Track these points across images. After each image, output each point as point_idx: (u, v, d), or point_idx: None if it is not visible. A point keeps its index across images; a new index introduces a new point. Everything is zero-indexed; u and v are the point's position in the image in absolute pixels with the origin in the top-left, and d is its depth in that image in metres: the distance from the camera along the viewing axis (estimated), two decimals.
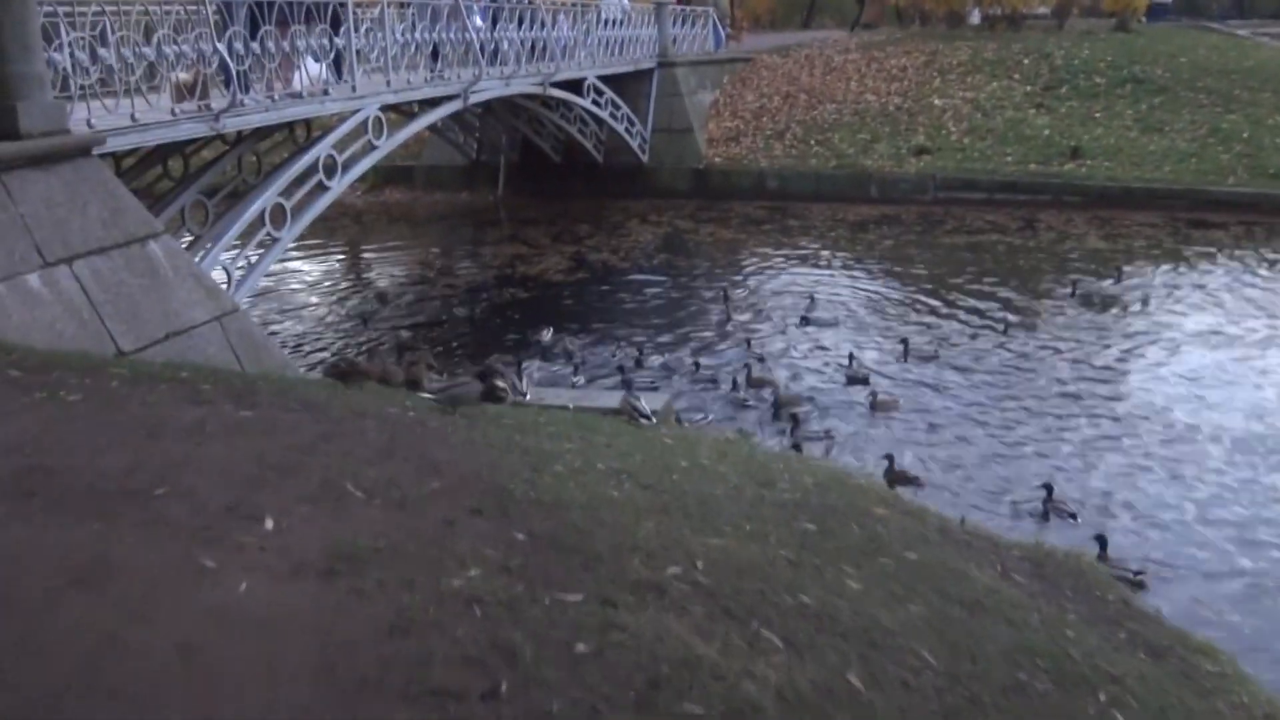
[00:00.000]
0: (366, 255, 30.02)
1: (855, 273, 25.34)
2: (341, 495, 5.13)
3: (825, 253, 27.20)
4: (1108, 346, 19.41)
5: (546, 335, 19.75)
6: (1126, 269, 23.45)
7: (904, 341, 18.68)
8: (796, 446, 13.36)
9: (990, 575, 7.14)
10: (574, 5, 31.68)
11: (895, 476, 12.87)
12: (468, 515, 5.21)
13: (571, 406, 11.80)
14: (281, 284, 25.58)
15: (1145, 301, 22.16)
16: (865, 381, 17.16)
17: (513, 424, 8.23)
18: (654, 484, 6.66)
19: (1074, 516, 12.69)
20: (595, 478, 6.45)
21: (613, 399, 12.69)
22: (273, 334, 20.95)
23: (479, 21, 25.14)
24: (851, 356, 18.26)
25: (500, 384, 9.67)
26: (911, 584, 5.96)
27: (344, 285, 26.20)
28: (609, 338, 20.50)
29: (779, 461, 9.28)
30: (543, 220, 32.49)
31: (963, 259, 25.92)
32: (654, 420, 10.73)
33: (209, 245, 14.92)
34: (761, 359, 18.29)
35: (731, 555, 5.42)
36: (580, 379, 17.29)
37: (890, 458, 13.40)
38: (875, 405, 15.75)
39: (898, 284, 24.28)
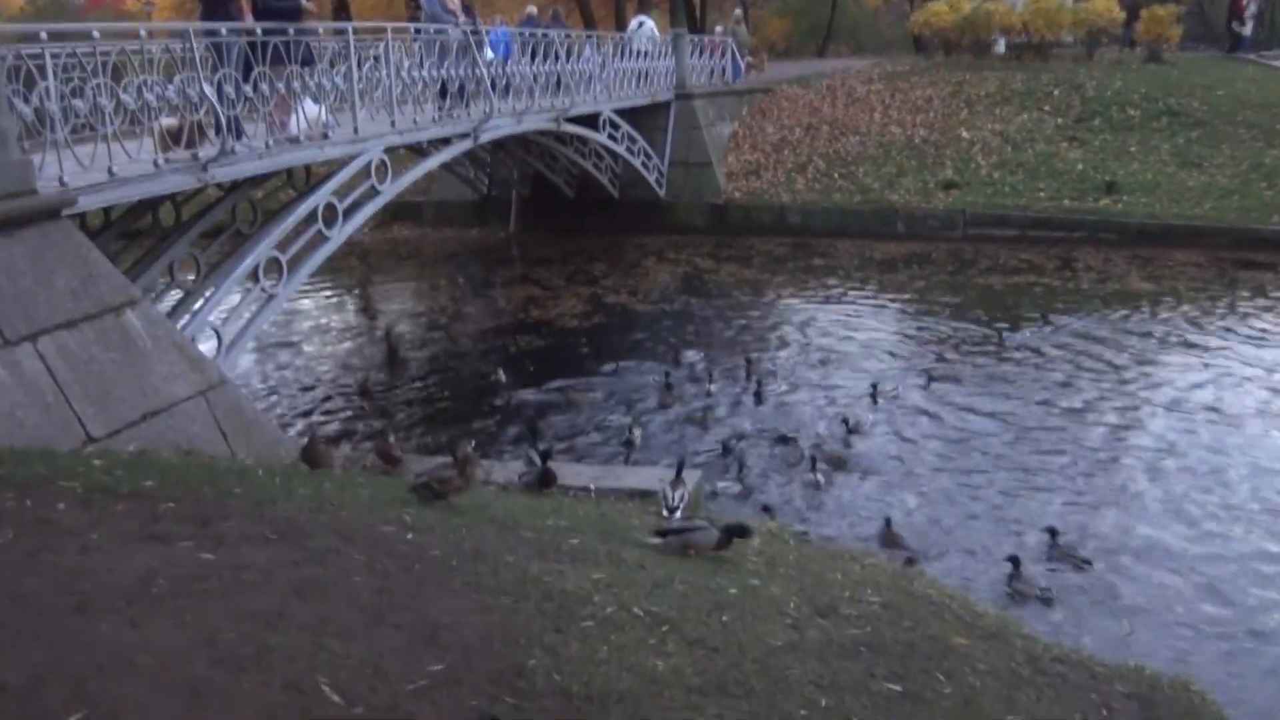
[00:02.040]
0: (375, 297, 29.12)
1: (889, 323, 24.29)
2: (311, 703, 3.99)
3: (854, 293, 26.26)
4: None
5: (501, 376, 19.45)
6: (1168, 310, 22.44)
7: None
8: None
9: None
10: (591, 36, 30.81)
11: (890, 539, 12.87)
12: None
13: (594, 489, 10.79)
14: (280, 333, 24.60)
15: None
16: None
17: (530, 537, 7.18)
18: (702, 638, 5.54)
19: (1087, 563, 12.58)
20: (632, 636, 5.33)
21: (638, 477, 11.66)
22: (269, 394, 19.98)
23: (490, 54, 24.26)
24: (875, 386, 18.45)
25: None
26: None
27: (350, 333, 25.25)
28: (624, 398, 19.33)
29: (833, 568, 8.17)
30: (556, 259, 31.54)
31: (1001, 303, 24.87)
32: (676, 513, 9.83)
33: (197, 305, 13.87)
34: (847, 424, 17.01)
35: None
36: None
37: (888, 520, 13.25)
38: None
39: (934, 328, 23.17)
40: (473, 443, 12.13)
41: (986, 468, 15.68)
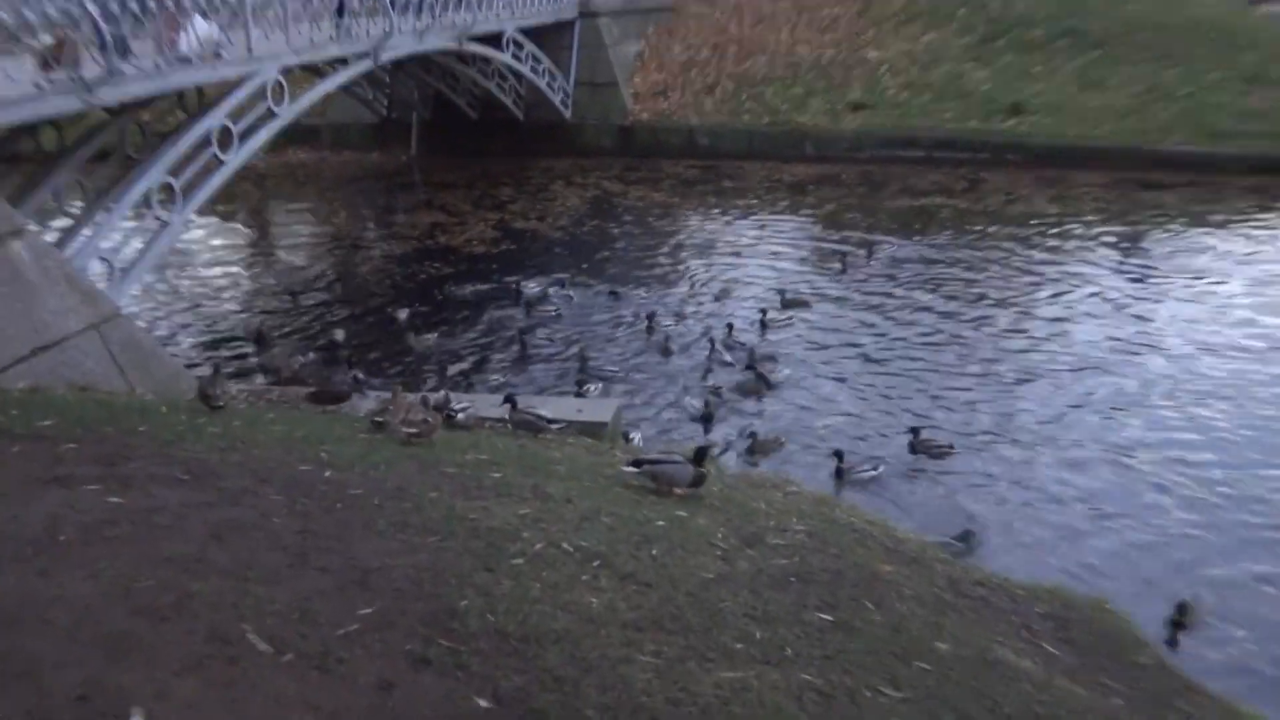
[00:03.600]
0: (273, 225, 28.30)
1: (801, 245, 24.50)
2: (239, 653, 3.87)
3: (764, 215, 26.36)
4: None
5: (403, 315, 19.18)
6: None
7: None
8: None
9: (1023, 651, 6.25)
10: None
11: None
12: (411, 670, 4.00)
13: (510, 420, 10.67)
14: (174, 264, 23.80)
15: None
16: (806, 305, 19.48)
17: (453, 473, 7.07)
18: (634, 573, 5.52)
19: (950, 448, 14.12)
20: (564, 573, 5.29)
21: (556, 406, 11.55)
22: (167, 326, 19.32)
23: None
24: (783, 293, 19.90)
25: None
26: (958, 701, 4.95)
27: (248, 261, 24.56)
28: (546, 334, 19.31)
29: (756, 497, 8.22)
30: (461, 183, 30.96)
31: (909, 225, 25.18)
32: (554, 428, 9.92)
33: (86, 234, 13.27)
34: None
35: (755, 699, 4.30)
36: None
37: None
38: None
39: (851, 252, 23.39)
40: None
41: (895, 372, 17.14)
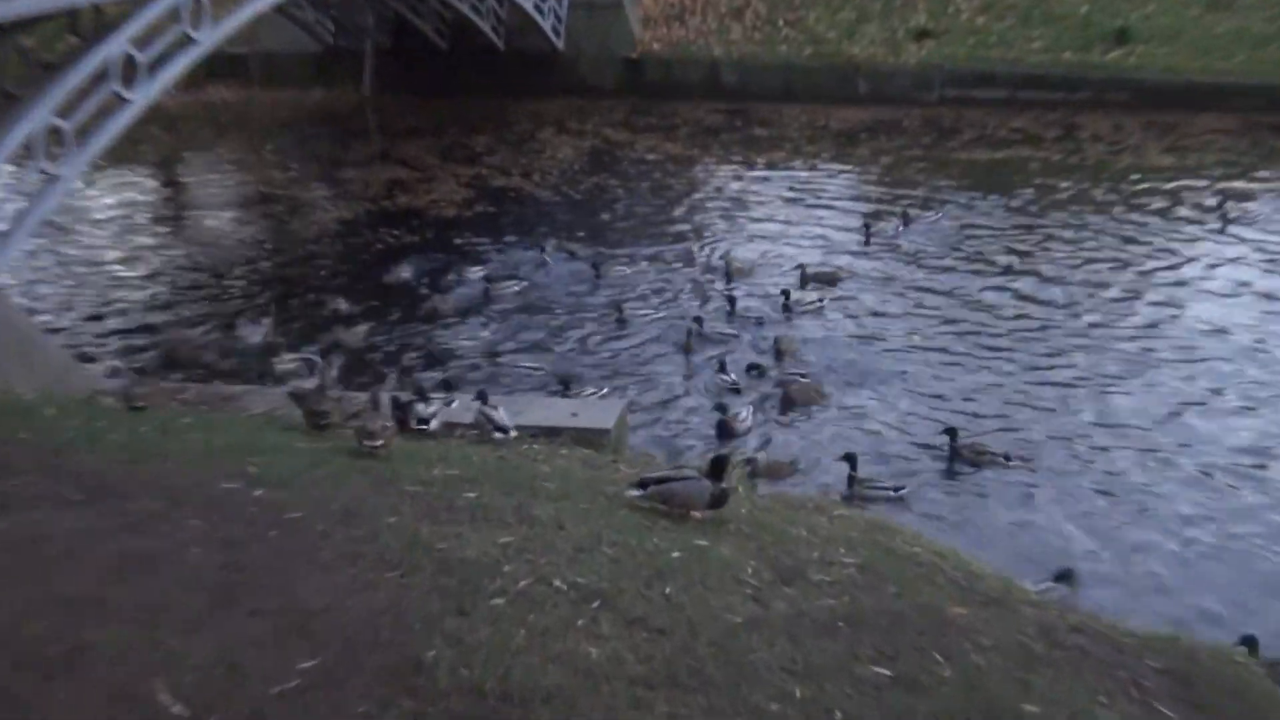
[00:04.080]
0: (187, 183, 28.41)
1: (847, 210, 24.59)
2: (149, 718, 3.89)
3: (805, 172, 26.39)
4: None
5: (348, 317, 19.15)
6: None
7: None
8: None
9: (1131, 714, 6.27)
10: None
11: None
12: None
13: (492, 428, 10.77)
14: (64, 228, 23.87)
15: None
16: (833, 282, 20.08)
17: (416, 492, 7.10)
18: (644, 616, 5.54)
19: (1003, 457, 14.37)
20: (556, 616, 5.33)
21: (547, 410, 11.65)
22: (55, 308, 19.40)
23: None
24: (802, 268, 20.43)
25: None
26: None
27: (156, 228, 24.65)
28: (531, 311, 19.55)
29: (794, 521, 8.24)
30: (427, 129, 31.03)
31: (986, 182, 25.21)
32: (510, 434, 10.18)
33: None
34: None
35: None
36: None
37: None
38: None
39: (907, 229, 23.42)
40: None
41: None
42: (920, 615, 6.46)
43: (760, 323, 18.81)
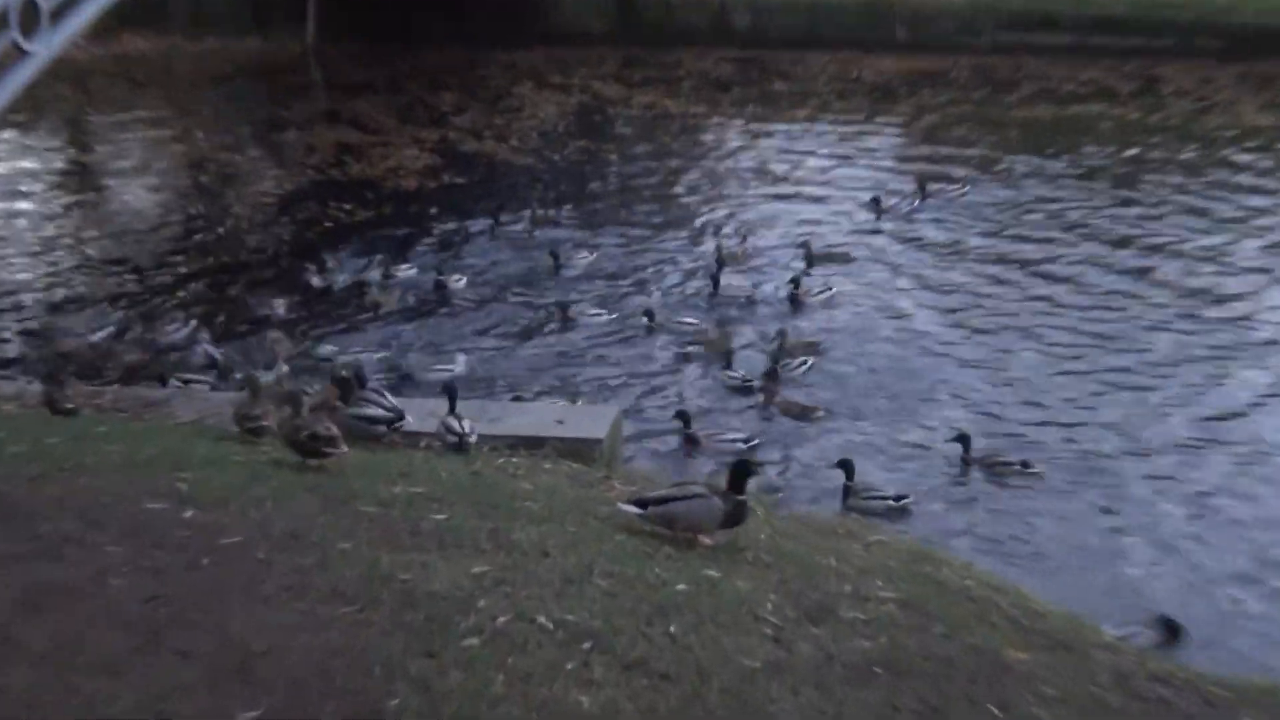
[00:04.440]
0: (97, 148, 28.38)
1: (880, 180, 24.53)
2: None
3: (831, 136, 26.39)
4: None
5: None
6: None
7: None
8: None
9: None
10: None
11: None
12: None
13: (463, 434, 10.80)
14: None
15: None
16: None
17: (374, 513, 7.15)
18: (645, 658, 5.59)
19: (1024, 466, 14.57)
20: (540, 658, 5.38)
21: (526, 417, 11.65)
22: None
23: None
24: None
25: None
26: None
27: (60, 201, 24.59)
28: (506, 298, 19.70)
29: (823, 550, 8.29)
30: (382, 84, 31.05)
31: (1049, 144, 25.19)
32: (470, 442, 10.04)
33: None
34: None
35: None
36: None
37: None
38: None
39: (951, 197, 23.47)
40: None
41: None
42: (972, 660, 6.50)
43: (749, 302, 19.38)
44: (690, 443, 15.03)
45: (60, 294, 19.65)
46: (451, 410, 10.70)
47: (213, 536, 6.22)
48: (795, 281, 19.50)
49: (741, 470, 7.76)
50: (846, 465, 14.02)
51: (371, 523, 6.94)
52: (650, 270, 20.90)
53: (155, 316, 18.53)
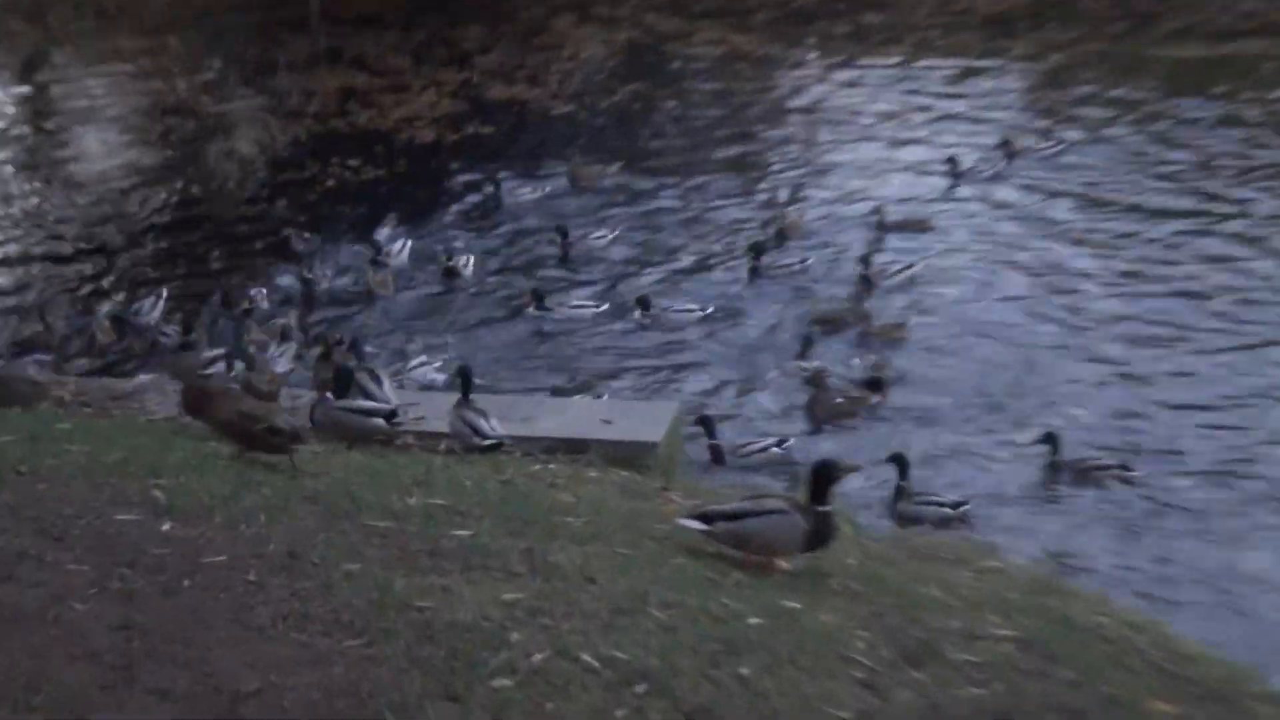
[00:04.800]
0: (56, 92, 28.52)
1: (987, 133, 24.41)
2: None
3: (933, 83, 26.29)
4: None
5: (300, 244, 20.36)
6: None
7: None
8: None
9: None
10: None
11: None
12: None
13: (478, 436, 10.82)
14: None
15: None
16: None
17: (386, 528, 7.15)
18: (710, 705, 5.58)
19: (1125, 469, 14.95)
20: (585, 703, 5.38)
21: (561, 417, 11.67)
22: None
23: None
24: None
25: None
26: None
27: (15, 158, 24.67)
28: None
29: (924, 576, 8.27)
30: (392, 18, 31.13)
31: (1197, 88, 25.02)
32: (496, 441, 10.23)
33: None
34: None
35: None
36: None
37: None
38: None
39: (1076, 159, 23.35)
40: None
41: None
42: (1108, 712, 6.48)
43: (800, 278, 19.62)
44: (715, 453, 15.22)
45: (13, 269, 19.81)
46: (465, 398, 10.65)
47: (194, 554, 6.22)
48: (865, 259, 19.59)
49: (824, 475, 7.70)
50: (900, 460, 14.24)
51: (382, 540, 6.93)
52: (707, 241, 20.96)
53: (121, 294, 18.69)
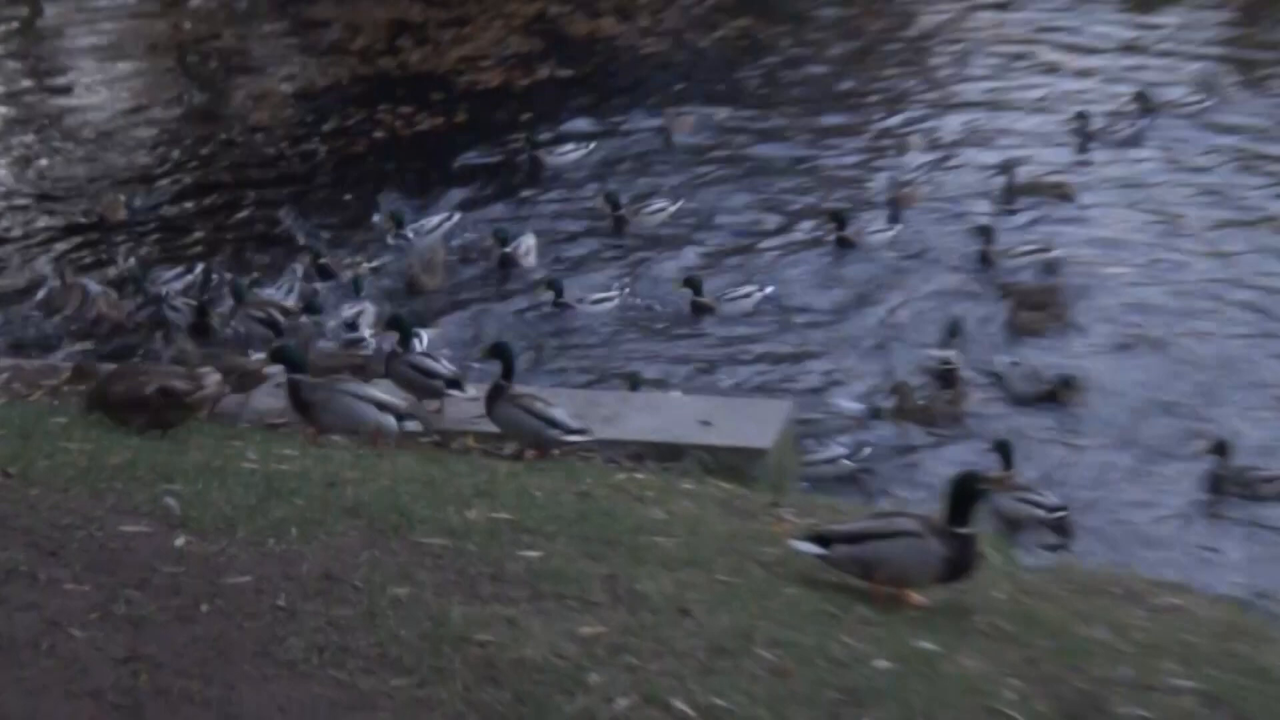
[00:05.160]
0: (52, 23, 28.77)
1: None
2: None
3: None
4: None
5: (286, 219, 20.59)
6: None
7: None
8: None
9: None
10: None
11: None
12: None
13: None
14: None
15: None
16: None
17: (440, 546, 7.17)
18: None
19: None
20: None
21: (655, 417, 11.69)
22: None
23: None
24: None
25: None
26: None
27: (9, 113, 24.88)
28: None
29: (1088, 614, 8.22)
30: None
31: None
32: (576, 438, 10.37)
33: None
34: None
35: None
36: None
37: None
38: None
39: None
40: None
41: None
42: None
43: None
44: None
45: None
46: (507, 376, 10.64)
47: (214, 575, 6.25)
48: (985, 231, 19.63)
49: (965, 491, 7.66)
50: (1004, 448, 14.58)
51: (437, 561, 6.97)
52: (810, 206, 20.94)
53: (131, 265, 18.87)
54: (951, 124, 23.02)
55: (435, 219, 20.68)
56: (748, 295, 19.03)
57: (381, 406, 10.29)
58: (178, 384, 8.63)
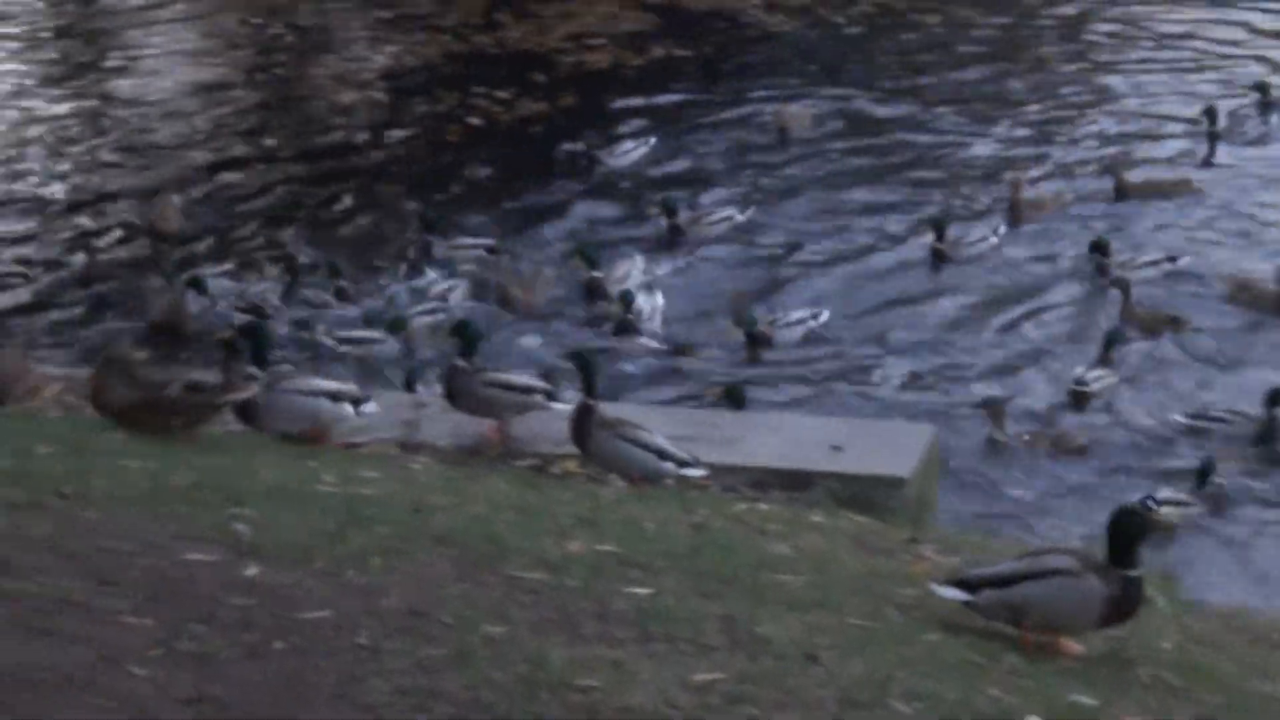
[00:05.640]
0: (106, 6, 29.02)
1: None
2: None
3: None
4: None
5: None
6: None
7: None
8: None
9: None
10: None
11: None
12: None
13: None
14: None
15: None
16: None
17: (537, 581, 7.23)
18: None
19: None
20: None
21: (779, 442, 11.73)
22: None
23: None
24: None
25: None
26: None
27: (49, 96, 25.12)
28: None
29: (1268, 670, 8.21)
30: None
31: None
32: (692, 472, 10.37)
33: None
34: None
35: None
36: None
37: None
38: None
39: None
40: None
41: None
42: None
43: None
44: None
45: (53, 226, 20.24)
46: (589, 392, 10.61)
47: (288, 608, 6.32)
48: (1101, 246, 19.55)
49: (1127, 529, 7.62)
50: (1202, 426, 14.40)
51: (534, 597, 7.02)
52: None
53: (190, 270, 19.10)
54: (1093, 116, 22.89)
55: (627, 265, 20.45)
56: (811, 318, 19.27)
57: (335, 397, 10.35)
58: (206, 379, 8.70)
